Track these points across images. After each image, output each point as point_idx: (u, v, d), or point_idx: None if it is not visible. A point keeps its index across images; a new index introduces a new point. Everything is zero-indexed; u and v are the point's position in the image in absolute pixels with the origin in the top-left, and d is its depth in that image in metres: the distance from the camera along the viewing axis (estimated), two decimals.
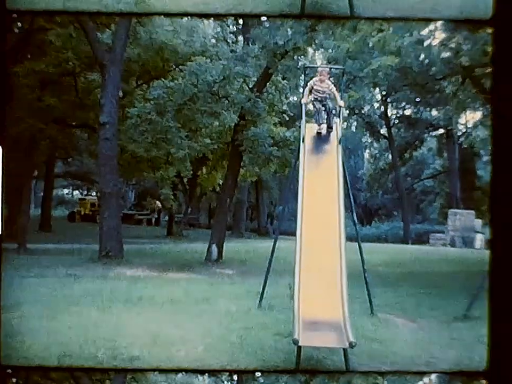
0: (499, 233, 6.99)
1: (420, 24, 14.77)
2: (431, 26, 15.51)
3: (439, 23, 14.95)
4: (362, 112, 32.15)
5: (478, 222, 26.08)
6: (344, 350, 7.21)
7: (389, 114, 32.59)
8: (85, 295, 11.10)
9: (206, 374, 7.47)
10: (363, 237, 14.28)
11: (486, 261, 7.04)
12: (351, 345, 7.00)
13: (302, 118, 10.77)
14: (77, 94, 20.40)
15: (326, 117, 10.70)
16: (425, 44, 15.97)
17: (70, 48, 19.26)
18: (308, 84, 10.90)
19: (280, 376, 7.43)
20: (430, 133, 34.01)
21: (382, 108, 32.43)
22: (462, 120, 28.40)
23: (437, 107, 28.87)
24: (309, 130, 10.67)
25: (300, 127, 11.23)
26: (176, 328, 8.95)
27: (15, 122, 16.82)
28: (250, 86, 18.13)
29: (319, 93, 10.73)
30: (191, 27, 20.39)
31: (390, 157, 34.10)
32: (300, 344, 6.99)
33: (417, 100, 29.01)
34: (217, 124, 18.87)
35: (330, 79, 11.22)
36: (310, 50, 21.22)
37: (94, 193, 33.58)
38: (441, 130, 32.34)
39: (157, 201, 30.87)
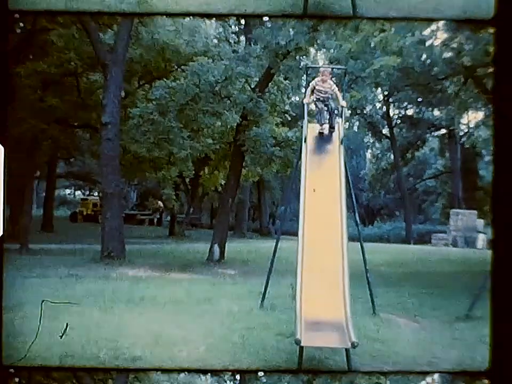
0: (501, 233, 6.99)
1: (422, 24, 14.77)
2: (433, 26, 15.49)
3: (441, 23, 14.94)
4: (364, 112, 32.14)
5: (480, 222, 26.08)
6: (346, 350, 7.20)
7: (391, 114, 32.64)
8: (87, 296, 11.09)
9: (209, 374, 7.47)
10: (365, 237, 14.27)
11: (488, 261, 7.03)
12: (353, 345, 7.00)
13: (304, 118, 10.80)
14: (79, 94, 20.44)
15: (328, 117, 10.69)
16: (427, 44, 15.94)
17: (72, 49, 19.30)
18: (310, 84, 10.89)
19: (283, 376, 7.43)
20: (432, 133, 34.03)
21: (384, 108, 32.44)
22: (464, 120, 28.48)
23: (439, 107, 28.91)
24: (311, 130, 10.67)
25: (302, 127, 11.23)
26: (178, 328, 8.95)
27: (17, 122, 16.83)
28: (252, 86, 18.14)
29: (321, 93, 10.72)
30: (193, 27, 20.42)
31: (392, 157, 34.14)
32: (302, 344, 6.99)
33: (419, 100, 29.04)
34: (219, 124, 18.90)
35: (332, 79, 11.22)
36: (312, 50, 21.24)
37: (96, 194, 33.62)
38: (443, 130, 32.37)
39: (159, 202, 30.90)
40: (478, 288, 9.76)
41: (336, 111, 10.80)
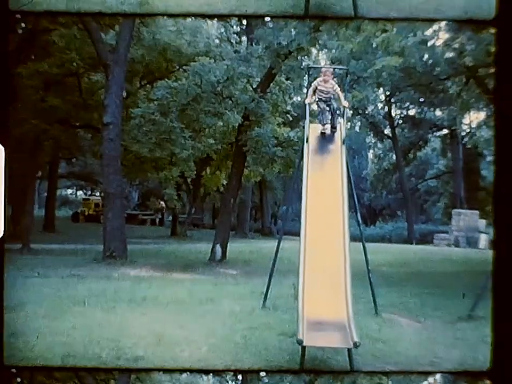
0: (503, 233, 6.99)
1: (423, 25, 14.76)
2: (435, 27, 15.51)
3: (442, 24, 14.95)
4: (366, 112, 32.11)
5: (482, 222, 26.06)
6: (349, 350, 7.20)
7: (393, 114, 32.61)
8: (89, 296, 11.08)
9: (211, 374, 7.47)
10: (367, 237, 14.26)
11: (490, 261, 7.03)
12: (356, 345, 7.00)
13: (306, 118, 10.78)
14: (80, 94, 20.46)
15: (330, 117, 10.69)
16: (429, 44, 15.95)
17: (74, 49, 19.32)
18: (312, 84, 10.89)
19: (285, 376, 7.44)
20: (434, 133, 34.02)
21: (386, 108, 32.42)
22: (466, 120, 28.44)
23: (440, 107, 28.89)
24: (313, 130, 10.66)
25: (303, 127, 11.21)
26: (180, 328, 8.95)
27: (19, 123, 16.86)
28: (254, 86, 18.14)
29: (323, 93, 10.72)
30: (195, 27, 20.43)
31: (394, 157, 34.13)
32: (304, 344, 6.99)
33: (421, 100, 29.03)
34: (221, 124, 18.90)
35: (334, 79, 11.22)
36: (314, 50, 21.23)
37: (97, 194, 33.67)
38: (445, 131, 32.35)
39: (161, 202, 30.92)
40: (480, 288, 9.75)
41: (338, 111, 10.79)
